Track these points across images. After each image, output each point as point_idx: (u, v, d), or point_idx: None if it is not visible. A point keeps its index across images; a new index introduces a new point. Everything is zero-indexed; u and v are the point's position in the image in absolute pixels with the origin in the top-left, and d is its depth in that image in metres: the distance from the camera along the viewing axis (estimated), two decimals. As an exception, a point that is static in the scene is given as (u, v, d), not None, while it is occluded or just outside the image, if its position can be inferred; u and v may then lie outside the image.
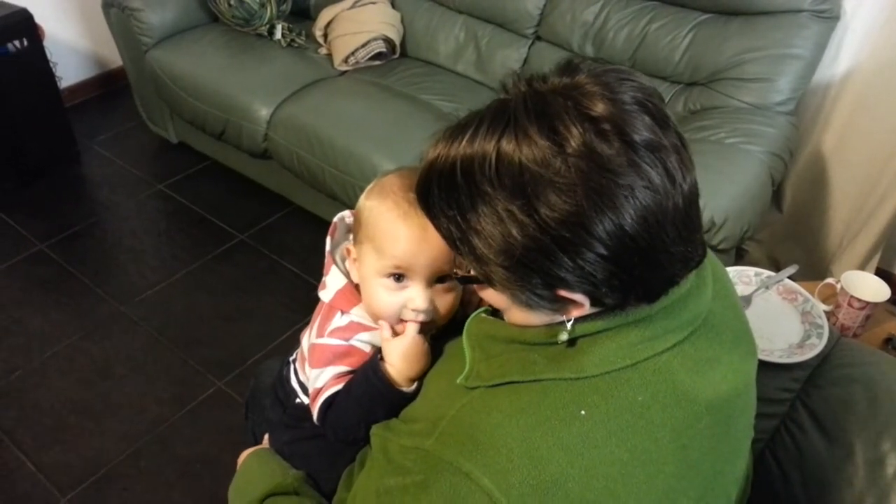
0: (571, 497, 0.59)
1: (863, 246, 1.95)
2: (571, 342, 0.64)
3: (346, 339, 0.85)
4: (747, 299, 1.21)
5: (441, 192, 0.62)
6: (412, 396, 0.78)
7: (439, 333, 0.85)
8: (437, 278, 0.79)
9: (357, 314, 0.85)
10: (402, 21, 2.42)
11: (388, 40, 2.35)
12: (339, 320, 0.86)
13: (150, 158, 2.71)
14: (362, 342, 0.85)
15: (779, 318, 1.19)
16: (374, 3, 2.39)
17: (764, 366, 1.10)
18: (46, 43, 2.46)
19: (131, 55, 2.53)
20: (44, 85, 2.46)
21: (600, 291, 0.60)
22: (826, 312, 1.25)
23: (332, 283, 0.87)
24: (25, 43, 2.33)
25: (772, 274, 1.26)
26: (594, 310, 0.63)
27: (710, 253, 0.71)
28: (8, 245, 2.28)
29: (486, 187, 0.58)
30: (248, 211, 2.42)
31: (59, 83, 2.55)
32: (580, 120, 0.56)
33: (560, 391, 0.62)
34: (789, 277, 1.26)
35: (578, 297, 0.61)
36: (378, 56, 2.36)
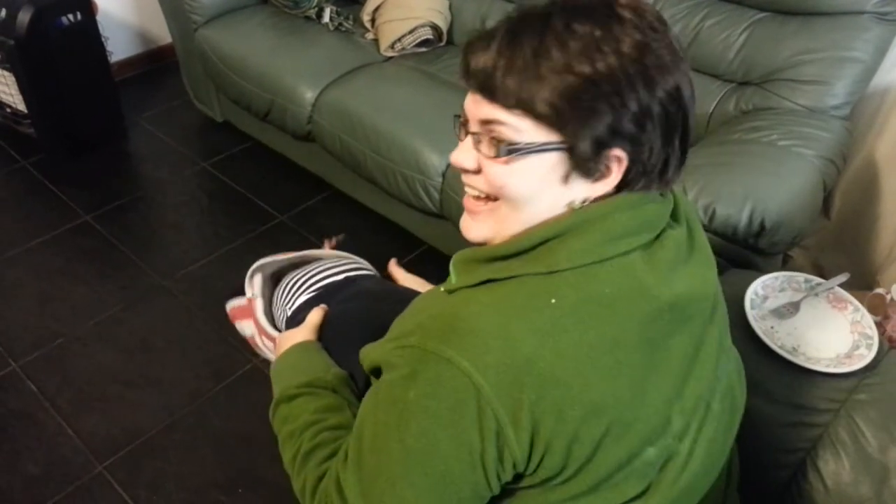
0: (543, 375, 0.65)
1: (913, 257, 1.90)
2: (535, 245, 0.70)
3: None
4: (796, 305, 1.19)
5: (537, 34, 0.67)
6: None
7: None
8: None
9: None
10: (450, 8, 2.41)
11: (435, 27, 2.35)
12: None
13: (195, 136, 2.74)
14: None
15: (827, 326, 1.17)
16: (423, -11, 2.39)
17: (810, 374, 1.08)
18: (99, 17, 2.49)
19: (181, 33, 2.56)
20: (95, 59, 2.50)
21: (645, 159, 0.69)
22: (875, 323, 1.22)
23: None
24: (79, 16, 2.37)
25: (822, 281, 1.23)
26: (602, 192, 0.71)
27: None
28: (54, 215, 2.33)
29: (591, 23, 0.67)
30: (289, 193, 2.44)
31: (109, 57, 2.58)
32: (645, 12, 0.69)
33: (533, 284, 0.68)
34: (839, 286, 1.23)
35: (624, 158, 0.69)
36: (424, 43, 2.35)
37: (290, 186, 2.47)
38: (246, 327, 1.28)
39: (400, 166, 1.97)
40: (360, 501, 0.73)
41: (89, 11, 2.40)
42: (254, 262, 1.31)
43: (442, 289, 0.75)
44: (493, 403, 0.65)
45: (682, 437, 0.76)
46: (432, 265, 2.11)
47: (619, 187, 0.71)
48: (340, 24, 2.45)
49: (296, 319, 1.13)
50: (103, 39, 2.52)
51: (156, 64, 3.11)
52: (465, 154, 0.74)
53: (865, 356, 1.09)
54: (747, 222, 1.44)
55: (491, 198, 0.74)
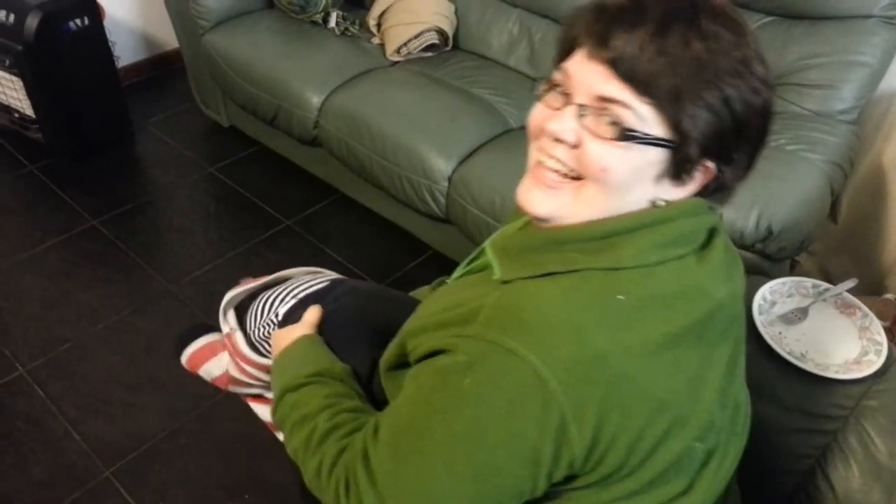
0: (613, 370, 0.65)
1: (921, 262, 1.89)
2: (605, 236, 0.70)
3: None
4: (804, 311, 1.18)
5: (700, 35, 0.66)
6: None
7: None
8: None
9: None
10: (456, 13, 2.41)
11: (441, 32, 2.35)
12: None
13: (202, 141, 2.75)
14: None
15: (836, 332, 1.16)
16: (429, -6, 2.39)
17: (819, 381, 1.08)
18: (106, 23, 2.50)
19: (188, 38, 2.57)
20: (102, 64, 2.51)
21: (726, 172, 0.71)
22: (884, 329, 1.21)
23: None
24: (86, 21, 2.37)
25: (830, 286, 1.22)
26: (679, 196, 0.71)
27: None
28: (61, 219, 2.34)
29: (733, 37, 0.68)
30: (295, 197, 2.45)
31: (116, 62, 2.59)
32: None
33: (598, 279, 0.68)
34: (846, 292, 1.22)
35: (712, 168, 0.70)
36: (430, 48, 2.36)
37: (296, 191, 2.47)
38: (214, 368, 1.22)
39: (406, 171, 1.97)
40: (389, 478, 0.71)
41: (97, 16, 2.41)
42: (260, 266, 1.30)
43: (495, 276, 0.73)
44: (560, 398, 0.64)
45: (721, 434, 0.77)
46: (438, 270, 2.11)
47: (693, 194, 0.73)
48: (346, 28, 2.45)
49: (287, 323, 1.09)
50: (110, 44, 2.53)
51: (163, 69, 3.13)
52: (566, 124, 0.69)
53: (875, 362, 1.08)
54: (754, 227, 1.44)
55: (574, 176, 0.70)
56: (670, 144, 0.67)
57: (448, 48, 2.40)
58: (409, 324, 0.82)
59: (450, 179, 1.91)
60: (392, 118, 2.03)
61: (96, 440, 1.70)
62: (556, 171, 0.71)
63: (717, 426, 0.75)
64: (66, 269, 2.17)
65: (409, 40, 2.31)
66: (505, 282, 0.72)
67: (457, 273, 0.91)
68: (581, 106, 0.68)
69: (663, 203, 0.70)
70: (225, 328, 1.15)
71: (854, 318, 1.18)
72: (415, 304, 0.97)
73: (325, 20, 2.45)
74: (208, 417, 1.76)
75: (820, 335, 1.15)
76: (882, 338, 1.13)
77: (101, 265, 2.18)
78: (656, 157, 0.68)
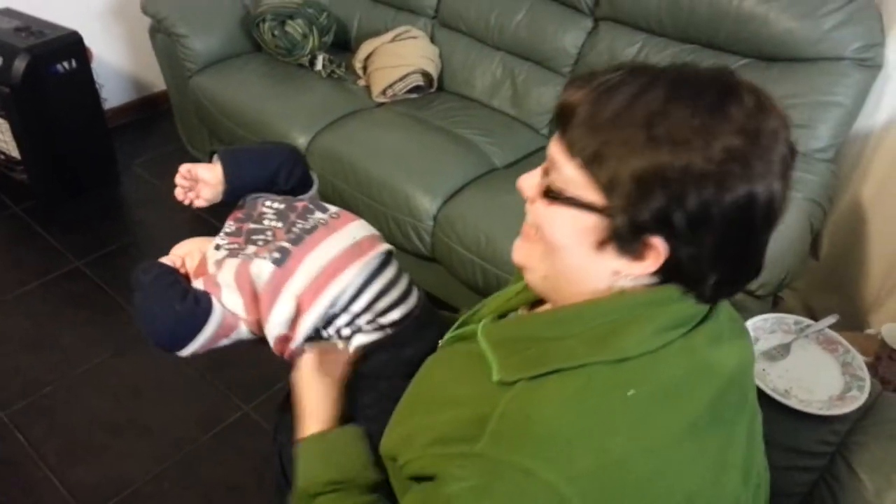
0: (637, 474, 0.61)
1: (902, 297, 1.91)
2: (605, 321, 0.67)
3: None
4: (786, 348, 1.19)
5: (632, 96, 0.62)
6: None
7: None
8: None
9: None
10: (441, 55, 2.45)
11: (425, 74, 2.39)
12: None
13: (188, 181, 2.75)
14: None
15: (818, 368, 1.16)
16: (414, 37, 2.43)
17: (803, 417, 1.08)
18: (94, 65, 2.53)
19: (175, 80, 2.60)
20: (89, 105, 2.53)
21: (694, 256, 0.63)
22: (866, 364, 1.22)
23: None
24: (74, 64, 2.40)
25: (812, 322, 1.23)
26: (650, 280, 0.67)
27: None
28: (45, 261, 2.33)
29: (685, 107, 0.61)
30: (281, 236, 2.44)
31: (103, 104, 2.61)
32: (772, 109, 0.64)
33: (606, 374, 0.64)
34: (828, 328, 1.24)
35: (661, 250, 0.63)
36: (415, 89, 2.39)
37: (282, 231, 2.47)
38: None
39: (391, 210, 1.98)
40: None
41: (84, 59, 2.43)
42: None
43: (495, 377, 0.68)
44: None
45: None
46: (424, 309, 2.10)
47: (666, 275, 0.67)
48: (333, 71, 2.48)
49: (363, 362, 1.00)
50: (98, 86, 2.55)
51: (150, 110, 3.15)
52: (529, 180, 0.70)
53: (858, 398, 1.08)
54: (736, 264, 1.45)
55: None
56: (598, 211, 0.64)
57: (433, 90, 2.44)
58: (397, 421, 0.78)
59: (435, 218, 1.92)
60: (378, 158, 2.05)
61: (78, 485, 1.67)
62: (529, 224, 0.72)
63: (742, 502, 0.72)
64: (48, 311, 2.15)
65: (395, 82, 2.35)
66: (506, 384, 0.67)
67: (447, 336, 0.89)
68: (547, 165, 0.69)
69: (629, 285, 0.67)
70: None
71: (836, 354, 1.19)
72: None
73: (312, 63, 2.48)
74: (192, 461, 1.73)
75: (803, 372, 1.16)
76: (865, 373, 1.13)
77: (84, 307, 2.16)
78: (591, 222, 0.64)
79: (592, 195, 0.64)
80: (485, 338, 0.73)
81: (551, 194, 0.67)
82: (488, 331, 0.75)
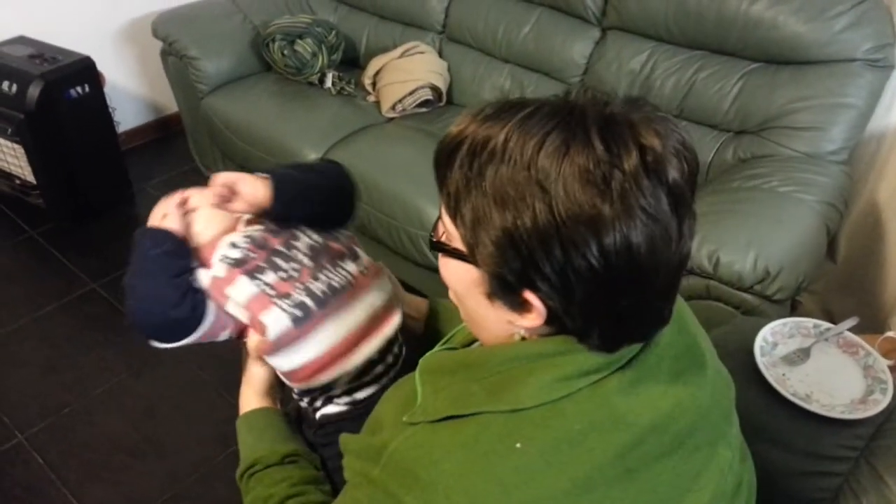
0: None
1: (922, 299, 1.88)
2: (502, 366, 0.65)
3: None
4: (806, 352, 1.17)
5: (472, 149, 0.61)
6: None
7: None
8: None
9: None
10: (449, 69, 2.46)
11: (434, 88, 2.40)
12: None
13: (201, 201, 2.77)
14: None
15: (840, 372, 1.15)
16: (422, 52, 2.45)
17: (825, 422, 1.06)
18: (107, 89, 2.55)
19: (187, 102, 2.62)
20: (103, 129, 2.56)
21: (567, 311, 0.61)
22: (888, 367, 1.20)
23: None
24: (87, 89, 2.43)
25: (831, 326, 1.22)
26: (545, 329, 0.64)
27: None
28: (62, 283, 2.35)
29: (522, 161, 0.58)
30: (294, 254, 2.45)
31: (117, 127, 2.64)
32: (636, 145, 0.58)
33: (498, 424, 0.63)
34: (848, 330, 1.22)
35: (539, 306, 0.61)
36: (425, 104, 2.40)
37: (295, 248, 2.48)
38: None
39: (403, 223, 1.99)
40: None
41: (97, 84, 2.46)
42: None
43: (404, 418, 0.68)
44: None
45: None
46: (439, 322, 2.10)
47: (556, 327, 0.64)
48: (342, 88, 2.50)
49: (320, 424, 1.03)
50: (111, 110, 2.58)
51: (163, 132, 3.18)
52: (443, 227, 0.69)
53: (881, 401, 1.07)
54: (752, 268, 1.44)
55: None
56: (475, 265, 0.63)
57: (442, 103, 2.45)
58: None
59: (447, 231, 1.92)
60: (389, 172, 2.06)
61: (95, 507, 1.67)
62: None
63: None
64: (66, 334, 2.16)
65: (404, 97, 2.36)
66: (412, 424, 0.67)
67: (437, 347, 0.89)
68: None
69: (521, 328, 0.66)
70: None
71: (857, 357, 1.17)
72: None
73: (322, 81, 2.50)
74: (210, 480, 1.73)
75: (824, 375, 1.14)
76: (887, 376, 1.12)
77: (101, 328, 2.18)
78: (474, 275, 0.64)
79: (465, 247, 0.64)
80: (420, 369, 0.73)
81: (435, 246, 0.68)
82: (427, 361, 0.74)
